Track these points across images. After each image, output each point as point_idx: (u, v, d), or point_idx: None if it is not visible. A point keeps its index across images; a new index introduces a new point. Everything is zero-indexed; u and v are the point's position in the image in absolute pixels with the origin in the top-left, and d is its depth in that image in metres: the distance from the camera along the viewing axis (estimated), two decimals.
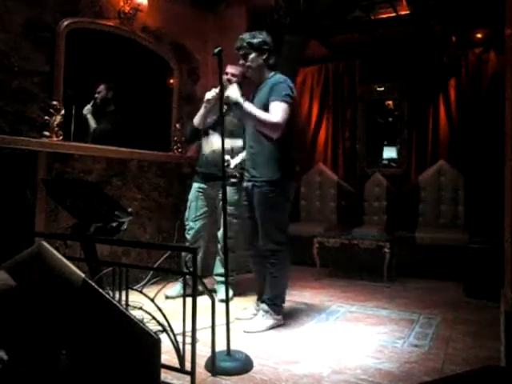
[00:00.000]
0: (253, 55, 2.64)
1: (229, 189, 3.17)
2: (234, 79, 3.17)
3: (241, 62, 2.69)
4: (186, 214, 3.38)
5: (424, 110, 5.05)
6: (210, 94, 3.10)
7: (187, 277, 1.91)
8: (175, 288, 3.31)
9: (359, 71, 5.43)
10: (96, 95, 3.59)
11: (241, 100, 2.48)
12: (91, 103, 3.54)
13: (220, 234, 3.31)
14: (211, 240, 3.50)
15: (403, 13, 4.21)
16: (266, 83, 2.65)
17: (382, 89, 5.37)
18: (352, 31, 4.65)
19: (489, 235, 3.49)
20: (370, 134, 5.45)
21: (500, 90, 2.68)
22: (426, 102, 5.04)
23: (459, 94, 4.87)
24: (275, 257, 2.64)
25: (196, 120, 3.28)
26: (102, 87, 3.61)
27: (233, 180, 3.18)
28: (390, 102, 5.48)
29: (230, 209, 3.18)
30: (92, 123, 3.58)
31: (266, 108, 2.55)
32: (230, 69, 3.24)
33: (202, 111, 3.23)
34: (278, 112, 2.49)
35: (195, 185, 3.36)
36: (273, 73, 2.69)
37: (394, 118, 5.47)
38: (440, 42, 4.77)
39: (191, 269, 1.80)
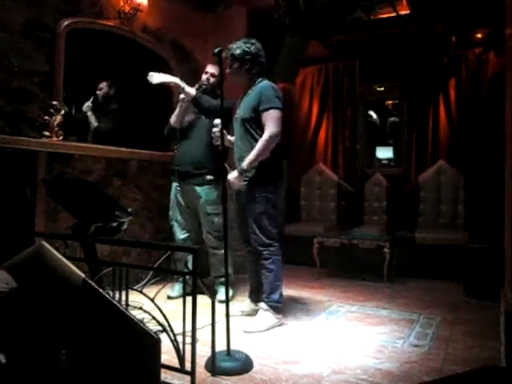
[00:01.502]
0: (235, 65, 2.74)
1: (206, 187, 3.19)
2: (212, 79, 3.23)
3: (227, 70, 2.76)
4: (170, 213, 3.39)
5: (424, 110, 5.05)
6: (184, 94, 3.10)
7: (187, 277, 1.91)
8: (176, 288, 3.31)
9: (359, 71, 5.43)
10: (98, 92, 3.57)
11: (240, 170, 2.63)
12: (91, 99, 3.51)
13: (206, 236, 3.30)
14: (199, 238, 3.49)
15: (403, 13, 4.21)
16: (253, 89, 2.75)
17: (382, 89, 5.37)
18: (352, 31, 4.66)
19: (489, 235, 3.49)
20: (370, 134, 5.45)
21: (500, 90, 2.68)
22: (426, 101, 5.04)
23: (459, 93, 4.87)
24: (268, 251, 2.69)
25: (172, 119, 3.30)
26: (104, 83, 3.60)
27: (209, 177, 3.19)
28: (390, 102, 5.48)
29: (210, 208, 3.20)
30: (93, 121, 3.56)
31: (254, 112, 2.68)
32: (210, 68, 3.28)
33: (177, 110, 3.26)
34: (270, 123, 2.62)
35: (173, 184, 3.36)
36: (260, 79, 2.77)
37: (394, 117, 5.46)
38: (440, 42, 4.77)
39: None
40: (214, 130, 2.70)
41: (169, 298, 3.20)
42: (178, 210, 3.33)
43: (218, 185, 3.12)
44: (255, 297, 2.88)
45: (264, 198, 2.66)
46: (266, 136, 2.61)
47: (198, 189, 3.22)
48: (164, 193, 3.91)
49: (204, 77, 3.25)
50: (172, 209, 3.36)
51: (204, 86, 3.16)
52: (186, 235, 3.35)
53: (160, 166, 3.89)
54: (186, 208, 3.33)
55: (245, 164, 2.61)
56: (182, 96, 3.12)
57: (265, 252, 2.69)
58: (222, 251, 3.18)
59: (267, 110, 2.63)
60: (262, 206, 2.66)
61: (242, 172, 2.62)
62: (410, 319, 2.86)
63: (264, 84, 2.73)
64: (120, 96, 3.68)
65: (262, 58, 2.77)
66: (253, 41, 2.77)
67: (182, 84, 3.03)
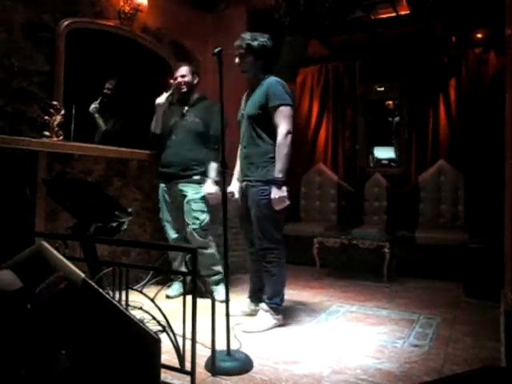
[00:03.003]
0: (250, 58, 2.66)
1: (192, 185, 3.23)
2: (186, 79, 3.30)
3: (236, 60, 2.70)
4: (160, 214, 3.41)
5: (424, 110, 5.05)
6: (161, 99, 3.25)
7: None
8: (174, 287, 3.31)
9: (359, 71, 5.43)
10: (105, 91, 3.56)
11: (279, 182, 2.53)
12: (98, 100, 3.50)
13: (190, 235, 3.28)
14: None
15: (403, 13, 4.21)
16: (261, 85, 2.68)
17: (382, 89, 5.36)
18: (352, 31, 4.65)
19: (489, 235, 3.49)
20: (370, 134, 5.45)
21: (500, 90, 2.68)
22: (426, 101, 5.04)
23: (459, 94, 4.87)
24: (272, 255, 2.66)
25: (152, 125, 3.36)
26: (111, 82, 3.59)
27: (196, 178, 3.24)
28: (390, 102, 5.48)
29: (195, 205, 3.23)
30: (101, 123, 3.56)
31: (261, 109, 2.62)
32: (182, 71, 3.34)
33: (155, 116, 3.33)
34: (282, 120, 2.56)
35: (161, 185, 3.38)
36: (267, 75, 2.71)
37: (394, 117, 5.46)
38: (440, 42, 4.77)
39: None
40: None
41: (168, 297, 3.20)
42: (167, 210, 3.36)
43: (204, 185, 3.22)
44: (255, 297, 2.87)
45: (268, 201, 2.60)
46: (281, 136, 2.55)
47: (183, 187, 3.25)
48: None
49: (178, 81, 3.32)
50: (161, 210, 3.39)
51: (174, 93, 3.35)
52: (178, 234, 3.37)
53: None
54: (173, 208, 3.35)
55: (279, 175, 2.53)
56: (158, 101, 3.23)
57: (268, 255, 2.66)
58: (209, 250, 3.24)
59: (278, 106, 2.56)
60: (266, 209, 2.61)
61: (280, 185, 2.52)
62: (410, 319, 2.86)
63: (271, 80, 2.65)
64: (120, 95, 3.68)
65: (273, 55, 2.75)
66: (267, 35, 2.70)
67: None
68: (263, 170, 2.62)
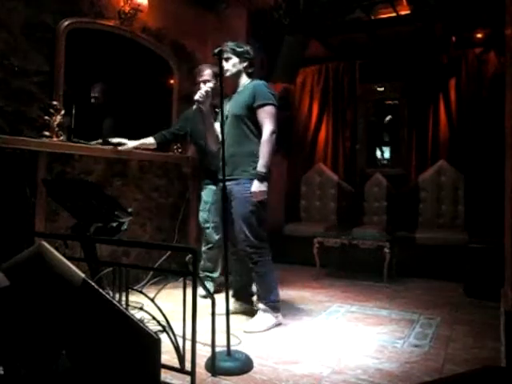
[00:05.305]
0: (235, 60, 2.75)
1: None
2: (211, 83, 3.06)
3: (223, 64, 2.67)
4: (205, 215, 3.38)
5: (424, 109, 5.04)
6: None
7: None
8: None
9: (359, 71, 5.43)
10: (92, 100, 3.58)
11: (259, 178, 2.58)
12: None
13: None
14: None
15: (403, 13, 4.22)
16: (246, 88, 2.74)
17: (382, 89, 5.36)
18: (352, 31, 4.66)
19: (489, 235, 3.49)
20: (370, 134, 5.45)
21: (500, 90, 2.68)
22: (426, 101, 5.04)
23: (459, 94, 4.86)
24: (258, 254, 2.66)
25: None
26: (97, 90, 3.62)
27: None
28: (390, 102, 5.48)
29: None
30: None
31: (248, 109, 2.66)
32: (201, 77, 3.25)
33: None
34: (267, 120, 2.63)
35: (213, 187, 3.33)
36: (251, 79, 2.79)
37: (394, 117, 5.46)
38: (440, 42, 4.77)
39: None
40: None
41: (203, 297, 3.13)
42: (218, 213, 3.30)
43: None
44: (239, 295, 2.92)
45: (252, 200, 2.60)
46: (266, 135, 2.61)
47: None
48: (164, 193, 3.91)
49: (203, 86, 3.15)
50: (208, 212, 3.36)
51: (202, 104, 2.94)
52: (219, 236, 3.33)
53: (160, 166, 3.89)
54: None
55: (262, 170, 2.58)
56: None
57: (253, 255, 2.65)
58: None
59: (263, 106, 2.63)
60: (251, 204, 2.61)
61: (262, 179, 2.58)
62: (410, 319, 2.86)
63: (257, 82, 2.74)
64: (120, 96, 3.68)
65: (254, 61, 2.83)
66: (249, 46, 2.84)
67: None
68: (249, 167, 2.64)
